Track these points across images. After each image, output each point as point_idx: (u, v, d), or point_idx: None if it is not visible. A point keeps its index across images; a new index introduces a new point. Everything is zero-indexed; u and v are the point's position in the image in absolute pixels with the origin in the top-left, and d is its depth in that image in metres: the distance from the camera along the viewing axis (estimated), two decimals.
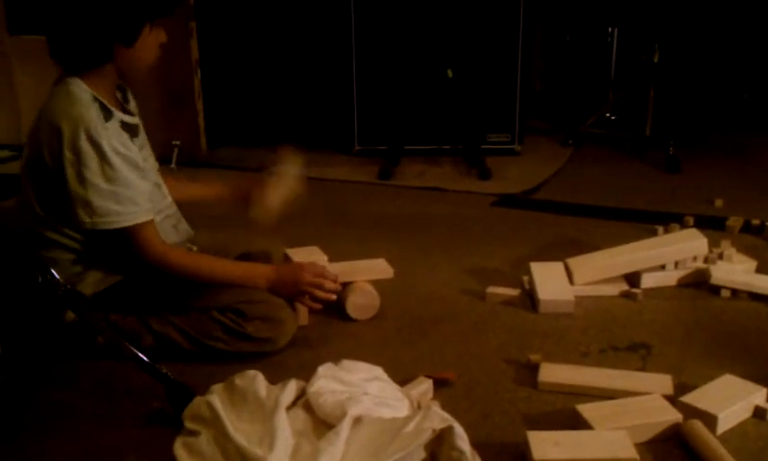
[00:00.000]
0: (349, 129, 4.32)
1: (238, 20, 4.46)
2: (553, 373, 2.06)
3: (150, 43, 2.06)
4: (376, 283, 2.46)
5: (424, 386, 1.96)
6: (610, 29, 4.63)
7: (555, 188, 3.83)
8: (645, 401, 1.87)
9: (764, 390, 1.92)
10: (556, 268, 2.62)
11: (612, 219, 3.32)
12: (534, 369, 2.09)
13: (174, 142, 4.09)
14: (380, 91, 4.25)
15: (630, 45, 4.63)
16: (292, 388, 1.74)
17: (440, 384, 2.02)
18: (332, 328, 2.37)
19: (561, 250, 2.84)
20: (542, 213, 3.44)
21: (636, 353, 2.21)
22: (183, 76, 4.20)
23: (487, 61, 4.25)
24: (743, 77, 4.78)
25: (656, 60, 4.19)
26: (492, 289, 2.58)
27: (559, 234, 3.16)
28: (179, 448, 1.63)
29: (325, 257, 2.49)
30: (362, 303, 2.40)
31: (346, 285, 2.41)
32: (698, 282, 2.63)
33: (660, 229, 3.06)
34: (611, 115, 4.67)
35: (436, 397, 1.97)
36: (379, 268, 2.47)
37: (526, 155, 4.35)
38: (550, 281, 2.54)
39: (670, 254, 2.61)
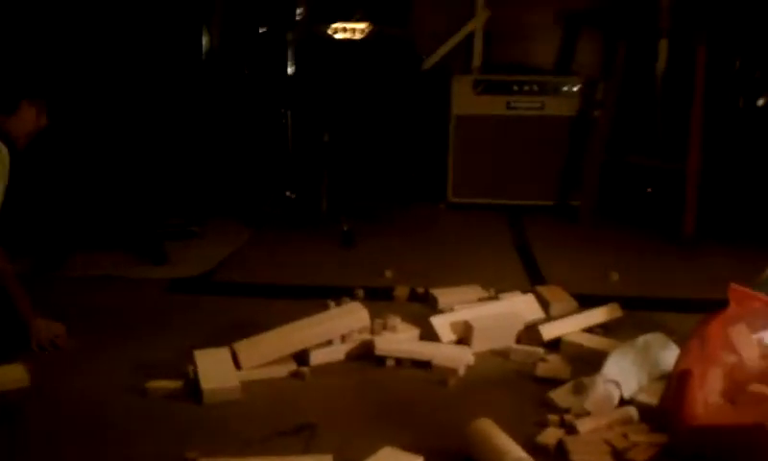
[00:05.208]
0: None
1: None
2: None
3: (27, 118, 2.54)
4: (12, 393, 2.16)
5: None
6: (283, 110, 4.71)
7: (234, 269, 3.73)
8: None
9: (420, 459, 1.94)
10: (221, 354, 2.50)
11: (287, 297, 3.29)
12: None
13: None
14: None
15: (304, 126, 4.75)
16: None
17: None
18: None
19: (235, 333, 2.71)
20: (218, 297, 3.32)
21: (301, 436, 2.14)
22: None
23: (158, 143, 4.11)
24: (411, 156, 5.12)
25: (326, 139, 4.32)
26: (153, 383, 2.38)
27: (234, 317, 3.04)
28: None
29: None
30: None
31: None
32: (365, 354, 2.65)
33: (332, 303, 3.08)
34: (291, 194, 4.72)
35: None
36: (9, 377, 2.16)
37: (207, 237, 4.22)
38: (214, 369, 2.41)
39: (335, 329, 2.62)
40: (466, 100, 4.94)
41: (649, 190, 4.91)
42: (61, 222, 3.87)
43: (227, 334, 2.75)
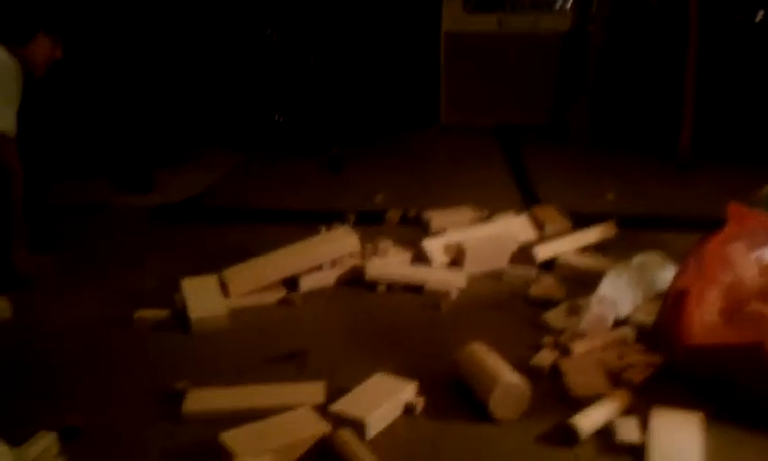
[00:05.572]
0: None
1: None
2: (199, 400, 1.87)
3: (42, 48, 2.63)
4: None
5: (46, 441, 1.67)
6: (269, 31, 4.57)
7: (222, 195, 3.66)
8: (292, 417, 1.75)
9: (413, 384, 1.90)
10: (210, 282, 2.44)
11: (277, 223, 3.22)
12: (181, 398, 1.89)
13: None
14: None
15: (291, 48, 4.61)
16: None
17: (68, 435, 1.73)
18: None
19: (224, 260, 2.65)
20: (206, 224, 3.25)
21: (292, 363, 2.09)
22: None
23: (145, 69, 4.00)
24: (402, 77, 4.99)
25: (312, 61, 4.19)
26: (140, 313, 2.33)
27: (222, 244, 2.99)
28: None
29: None
30: None
31: None
32: (356, 279, 2.60)
33: (323, 228, 3.02)
34: (279, 118, 4.62)
35: (65, 451, 1.68)
36: None
37: (194, 162, 4.13)
38: (202, 298, 2.35)
39: (324, 254, 2.56)
40: (456, 17, 4.80)
41: (645, 106, 4.82)
42: (46, 149, 3.77)
43: (215, 261, 2.69)
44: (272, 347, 2.18)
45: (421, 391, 1.90)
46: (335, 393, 1.89)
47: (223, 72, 4.73)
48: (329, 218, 3.14)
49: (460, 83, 4.85)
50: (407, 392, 1.88)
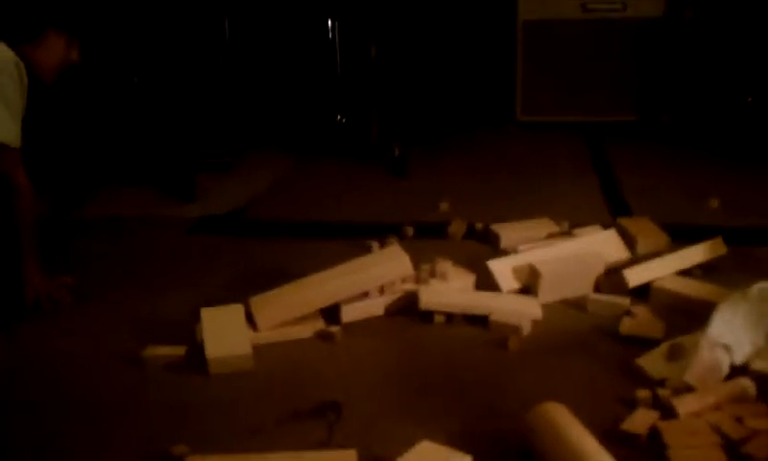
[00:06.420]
0: None
1: None
2: None
3: (54, 49, 2.30)
4: None
5: None
6: (330, 22, 4.19)
7: (269, 206, 3.30)
8: None
9: (467, 459, 1.49)
10: (234, 313, 2.07)
11: (325, 237, 2.85)
12: None
13: None
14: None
15: (353, 41, 4.24)
16: None
17: None
18: None
19: (259, 283, 2.26)
20: (246, 239, 2.90)
21: (323, 419, 1.71)
22: None
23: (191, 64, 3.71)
24: (473, 71, 4.56)
25: (373, 55, 3.80)
26: (150, 351, 1.99)
27: (261, 263, 2.63)
28: None
29: None
30: None
31: None
32: (409, 308, 2.19)
33: (375, 244, 2.64)
34: (341, 118, 4.26)
35: None
36: None
37: (244, 168, 3.80)
38: (224, 332, 1.99)
39: (371, 278, 2.16)
40: (535, 3, 4.35)
41: (749, 100, 4.25)
42: (84, 157, 3.52)
43: (249, 285, 2.31)
44: (300, 396, 1.80)
45: None
46: None
47: (280, 67, 4.40)
48: (384, 231, 2.75)
49: (539, 74, 4.39)
50: None
